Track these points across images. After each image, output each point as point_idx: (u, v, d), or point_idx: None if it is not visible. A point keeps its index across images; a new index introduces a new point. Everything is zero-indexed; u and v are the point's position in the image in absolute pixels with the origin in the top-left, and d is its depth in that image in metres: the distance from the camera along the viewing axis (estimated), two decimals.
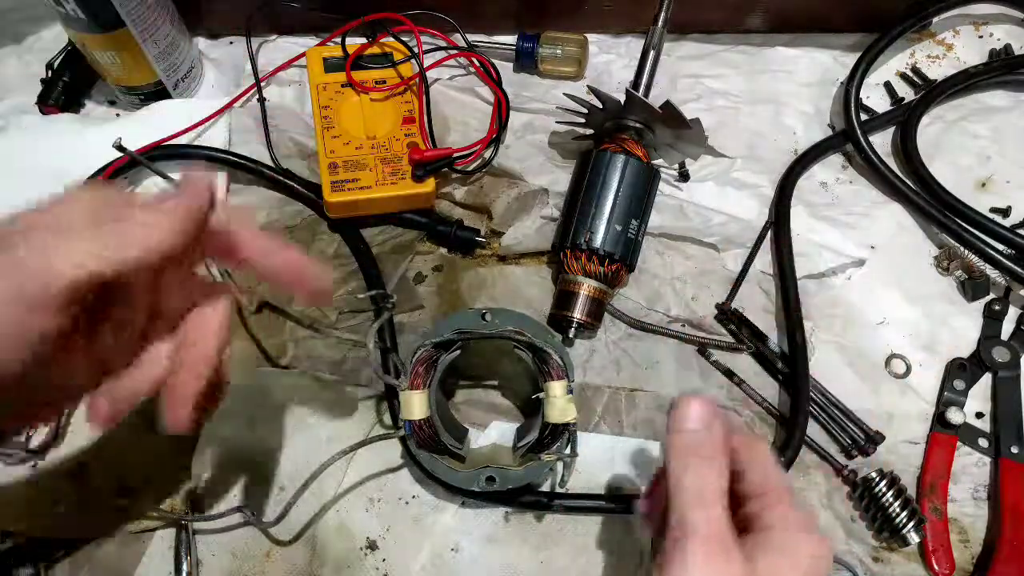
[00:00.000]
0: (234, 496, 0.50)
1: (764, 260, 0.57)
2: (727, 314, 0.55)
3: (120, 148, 0.54)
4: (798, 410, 0.50)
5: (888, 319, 0.56)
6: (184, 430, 0.33)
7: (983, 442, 0.52)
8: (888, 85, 0.64)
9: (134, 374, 0.34)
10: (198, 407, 0.34)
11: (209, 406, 0.37)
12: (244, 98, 0.60)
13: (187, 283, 0.35)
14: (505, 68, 0.63)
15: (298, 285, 0.36)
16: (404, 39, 0.58)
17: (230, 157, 0.57)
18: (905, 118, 0.60)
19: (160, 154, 0.56)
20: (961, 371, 0.54)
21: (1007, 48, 0.64)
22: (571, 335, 0.52)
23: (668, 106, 0.51)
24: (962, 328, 0.55)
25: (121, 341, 0.34)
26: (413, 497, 0.50)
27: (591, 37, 0.63)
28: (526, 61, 0.62)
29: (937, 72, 0.63)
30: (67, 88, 0.61)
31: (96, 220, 0.28)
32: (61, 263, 0.27)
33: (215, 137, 0.59)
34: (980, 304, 0.56)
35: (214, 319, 0.35)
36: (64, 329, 0.28)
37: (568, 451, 0.45)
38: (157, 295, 0.34)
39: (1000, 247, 0.54)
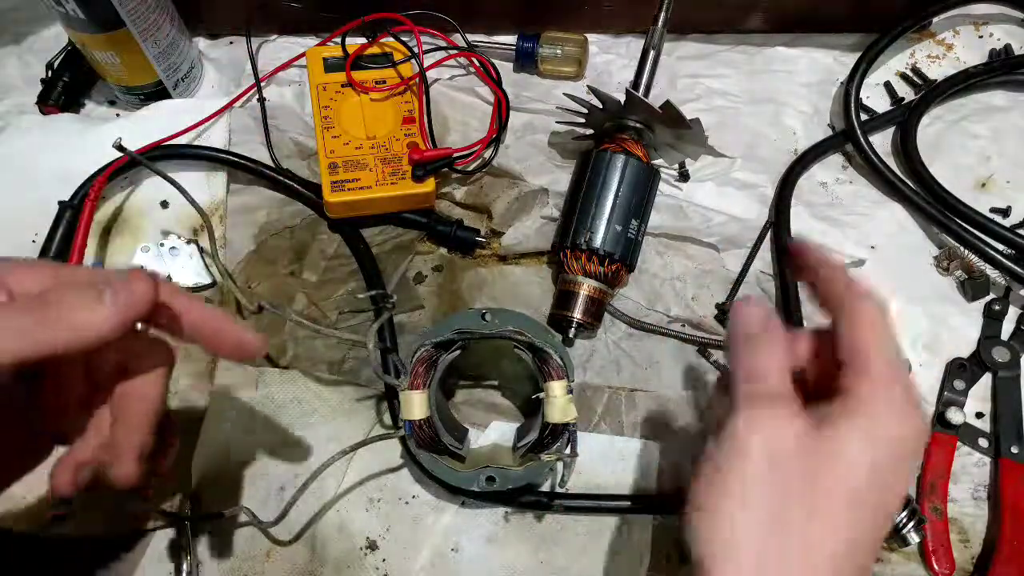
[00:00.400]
0: (234, 496, 0.50)
1: (764, 260, 0.57)
2: (727, 314, 0.55)
3: (120, 148, 0.54)
4: None
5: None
6: (132, 484, 0.34)
7: (983, 442, 0.52)
8: (888, 85, 0.64)
9: (87, 440, 0.35)
10: (142, 461, 0.34)
11: (158, 461, 0.38)
12: (244, 98, 0.60)
13: (125, 349, 0.35)
14: (505, 68, 0.63)
15: (216, 342, 0.36)
16: (404, 39, 0.58)
17: (230, 157, 0.57)
18: (905, 118, 0.60)
19: (160, 154, 0.56)
20: (961, 371, 0.54)
21: (1007, 48, 0.64)
22: (571, 335, 0.52)
23: (668, 106, 0.51)
24: (962, 328, 0.55)
25: (60, 411, 0.34)
26: (413, 497, 0.50)
27: (591, 37, 0.63)
28: (526, 61, 0.62)
29: (937, 72, 0.63)
30: (67, 88, 0.61)
31: (37, 300, 0.28)
32: None
33: (215, 137, 0.59)
34: (980, 304, 0.56)
35: (148, 385, 0.35)
36: None
37: (568, 451, 0.45)
38: (94, 365, 0.34)
39: (1000, 247, 0.54)
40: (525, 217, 0.57)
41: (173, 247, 0.56)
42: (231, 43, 0.65)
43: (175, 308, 0.34)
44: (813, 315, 0.55)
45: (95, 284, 0.30)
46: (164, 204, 0.58)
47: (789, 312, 0.54)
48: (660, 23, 0.55)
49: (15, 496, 0.50)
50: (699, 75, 0.63)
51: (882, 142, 0.61)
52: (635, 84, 0.56)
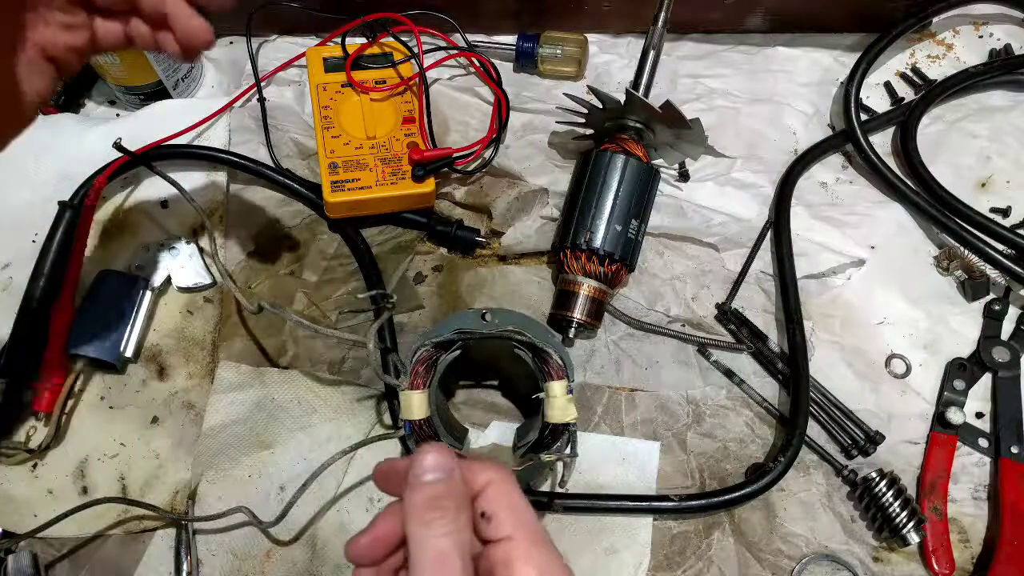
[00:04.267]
0: (234, 496, 0.50)
1: (764, 260, 0.57)
2: (727, 314, 0.55)
3: (120, 148, 0.54)
4: (798, 410, 0.50)
5: (888, 319, 0.56)
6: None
7: (983, 442, 0.52)
8: (888, 85, 0.64)
9: None
10: None
11: None
12: (244, 98, 0.60)
13: None
14: (505, 68, 0.63)
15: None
16: (404, 39, 0.58)
17: (230, 157, 0.57)
18: (905, 118, 0.60)
19: (160, 154, 0.56)
20: (961, 371, 0.54)
21: (1007, 48, 0.64)
22: (571, 335, 0.52)
23: (668, 106, 0.51)
24: (962, 328, 0.55)
25: None
26: None
27: (591, 37, 0.63)
28: (526, 61, 0.62)
29: (937, 72, 0.63)
30: (67, 88, 0.61)
31: None
32: None
33: (215, 137, 0.59)
34: (980, 304, 0.56)
35: None
36: None
37: (568, 451, 0.45)
38: None
39: (1000, 247, 0.54)
40: (525, 217, 0.57)
41: (173, 247, 0.56)
42: (231, 43, 0.65)
43: None
44: (813, 315, 0.55)
45: None
46: (164, 204, 0.58)
47: (789, 312, 0.54)
48: (660, 23, 0.55)
49: (15, 496, 0.50)
50: (699, 75, 0.63)
51: (882, 142, 0.61)
52: (635, 84, 0.56)
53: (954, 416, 0.51)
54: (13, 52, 0.35)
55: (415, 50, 0.57)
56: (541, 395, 0.46)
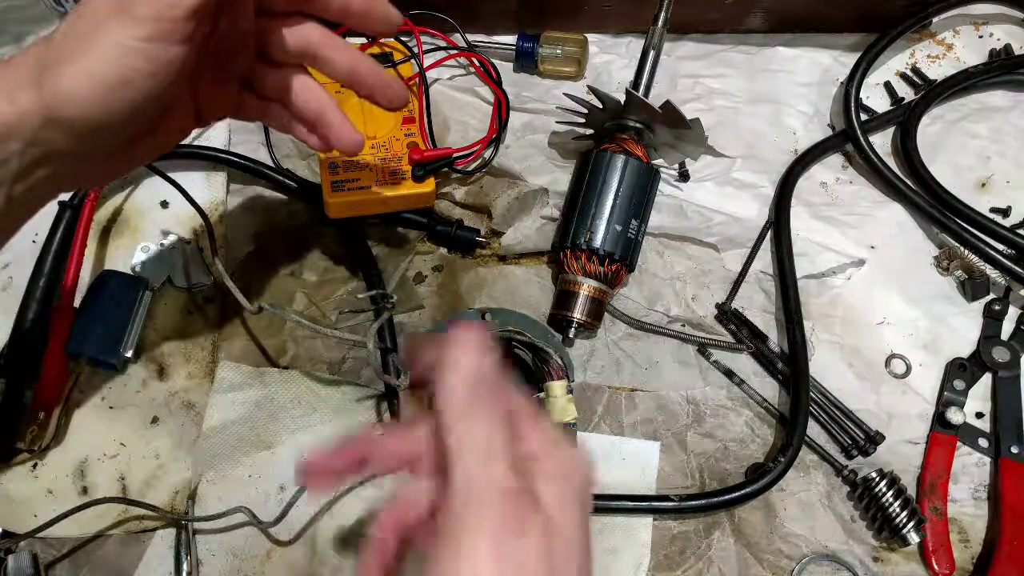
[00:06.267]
0: (234, 496, 0.50)
1: (764, 260, 0.57)
2: (727, 314, 0.55)
3: None
4: (798, 410, 0.50)
5: (888, 319, 0.56)
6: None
7: (983, 442, 0.52)
8: (888, 85, 0.64)
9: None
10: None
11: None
12: None
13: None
14: (505, 68, 0.63)
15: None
16: (404, 39, 0.58)
17: (230, 157, 0.57)
18: (905, 118, 0.60)
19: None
20: (961, 371, 0.54)
21: (1007, 48, 0.64)
22: (571, 335, 0.52)
23: (668, 106, 0.51)
24: (962, 328, 0.55)
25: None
26: None
27: (591, 37, 0.63)
28: (526, 61, 0.62)
29: (937, 72, 0.63)
30: None
31: None
32: None
33: (215, 137, 0.59)
34: (980, 304, 0.56)
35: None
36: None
37: None
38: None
39: (1000, 247, 0.54)
40: (525, 217, 0.57)
41: (173, 247, 0.56)
42: None
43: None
44: (813, 315, 0.55)
45: None
46: (164, 204, 0.58)
47: (789, 312, 0.54)
48: (660, 23, 0.55)
49: (15, 496, 0.50)
50: (699, 75, 0.63)
51: (882, 142, 0.61)
52: (635, 84, 0.56)
53: (954, 416, 0.51)
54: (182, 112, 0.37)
55: (415, 50, 0.57)
56: (541, 395, 0.46)
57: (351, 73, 0.38)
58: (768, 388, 0.54)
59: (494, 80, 0.60)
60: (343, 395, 0.53)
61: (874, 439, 0.51)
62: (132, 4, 0.28)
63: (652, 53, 0.56)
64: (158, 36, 0.28)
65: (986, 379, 0.54)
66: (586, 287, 0.52)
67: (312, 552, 0.49)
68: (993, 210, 0.59)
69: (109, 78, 0.29)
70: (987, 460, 0.52)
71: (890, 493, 0.48)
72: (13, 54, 0.31)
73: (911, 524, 0.48)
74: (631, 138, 0.55)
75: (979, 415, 0.53)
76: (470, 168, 0.58)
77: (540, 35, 0.62)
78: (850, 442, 0.52)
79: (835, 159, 0.61)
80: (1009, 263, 0.53)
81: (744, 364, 0.55)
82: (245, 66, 0.37)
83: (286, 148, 0.59)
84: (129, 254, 0.56)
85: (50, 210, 0.52)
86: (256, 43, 0.37)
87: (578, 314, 0.52)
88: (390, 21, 0.37)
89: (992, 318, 0.55)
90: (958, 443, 0.52)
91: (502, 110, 0.59)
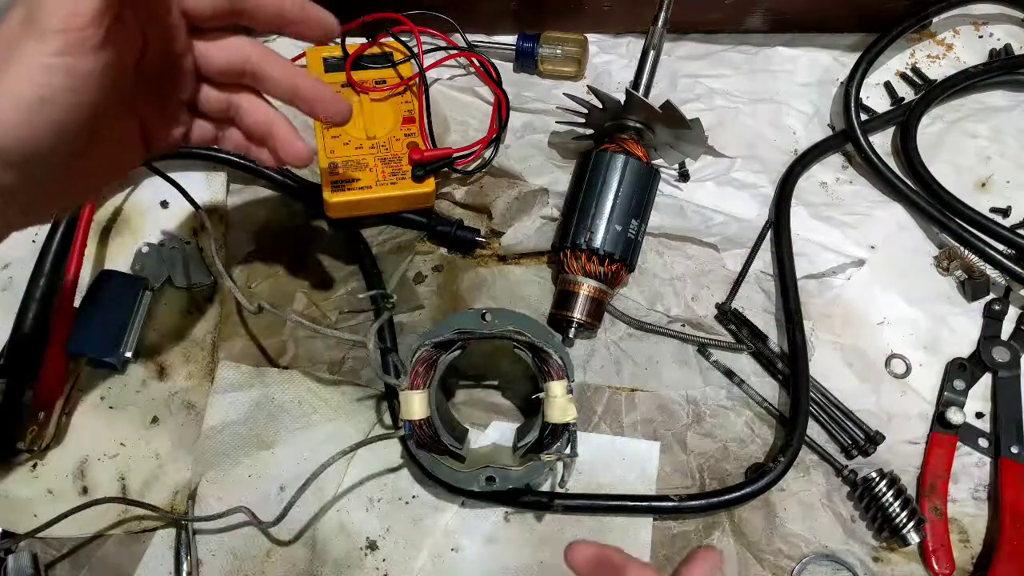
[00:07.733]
0: (234, 496, 0.50)
1: (764, 260, 0.57)
2: (727, 314, 0.55)
3: None
4: (798, 410, 0.50)
5: (888, 319, 0.56)
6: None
7: (983, 442, 0.52)
8: (888, 85, 0.64)
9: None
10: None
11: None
12: None
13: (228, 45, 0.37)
14: (505, 68, 0.63)
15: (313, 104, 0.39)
16: (404, 39, 0.58)
17: (230, 157, 0.57)
18: (905, 118, 0.60)
19: (160, 154, 0.56)
20: (961, 371, 0.54)
21: (1007, 48, 0.64)
22: (571, 335, 0.52)
23: (668, 106, 0.51)
24: (962, 328, 0.55)
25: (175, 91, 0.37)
26: (413, 497, 0.50)
27: (591, 37, 0.63)
28: (526, 61, 0.62)
29: (937, 72, 0.63)
30: None
31: None
32: None
33: None
34: (980, 304, 0.56)
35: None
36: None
37: (568, 451, 0.45)
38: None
39: (1000, 247, 0.54)
40: (525, 217, 0.57)
41: (173, 247, 0.56)
42: None
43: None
44: (813, 315, 0.55)
45: None
46: (164, 204, 0.58)
47: (789, 312, 0.54)
48: (660, 23, 0.55)
49: (15, 496, 0.50)
50: (699, 75, 0.63)
51: (882, 142, 0.61)
52: (635, 84, 0.56)
53: (954, 416, 0.51)
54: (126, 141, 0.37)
55: (415, 50, 0.57)
56: (541, 395, 0.46)
57: (291, 88, 0.38)
58: (768, 388, 0.54)
59: (494, 80, 0.60)
60: (343, 395, 0.53)
61: (874, 439, 0.51)
62: (39, 19, 0.28)
63: (652, 53, 0.56)
64: (70, 48, 0.28)
65: (986, 379, 0.54)
66: (586, 287, 0.52)
67: (312, 552, 0.49)
68: (993, 210, 0.59)
69: (30, 98, 0.28)
70: (987, 460, 0.52)
71: (890, 493, 0.48)
72: None
73: (911, 524, 0.48)
74: (631, 138, 0.55)
75: (979, 415, 0.53)
76: (470, 168, 0.58)
77: (540, 35, 0.62)
78: (850, 442, 0.52)
79: (835, 159, 0.62)
80: (1009, 263, 0.53)
81: (744, 364, 0.55)
82: (188, 88, 0.37)
83: None
84: (129, 254, 0.56)
85: None
86: (195, 64, 0.36)
87: (578, 314, 0.52)
88: (325, 26, 0.37)
89: (992, 318, 0.55)
90: (958, 443, 0.52)
91: (502, 110, 0.59)
